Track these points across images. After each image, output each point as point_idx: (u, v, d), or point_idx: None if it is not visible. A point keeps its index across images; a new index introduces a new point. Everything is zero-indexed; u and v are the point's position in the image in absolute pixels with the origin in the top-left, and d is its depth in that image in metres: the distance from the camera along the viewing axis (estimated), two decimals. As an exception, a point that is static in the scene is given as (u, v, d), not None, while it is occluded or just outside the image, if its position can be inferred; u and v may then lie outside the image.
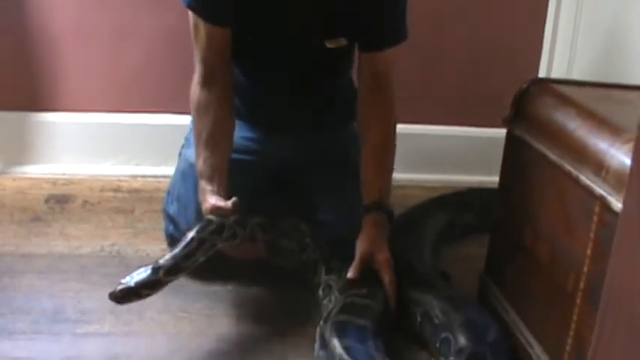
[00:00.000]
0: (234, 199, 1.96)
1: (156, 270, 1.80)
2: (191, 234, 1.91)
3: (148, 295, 1.80)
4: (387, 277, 1.97)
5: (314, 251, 2.09)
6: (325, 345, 1.70)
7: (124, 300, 1.76)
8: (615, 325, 0.86)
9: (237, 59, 2.18)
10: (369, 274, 1.99)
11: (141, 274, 1.79)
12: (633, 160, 0.87)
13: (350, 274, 1.97)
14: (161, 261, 1.83)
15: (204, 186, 2.01)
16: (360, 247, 2.01)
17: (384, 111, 2.20)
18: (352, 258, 2.01)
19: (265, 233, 2.05)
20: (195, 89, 2.11)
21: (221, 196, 1.99)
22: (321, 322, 1.79)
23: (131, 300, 1.77)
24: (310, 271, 2.10)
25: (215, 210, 1.95)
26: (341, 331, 1.71)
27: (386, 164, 2.17)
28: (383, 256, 1.99)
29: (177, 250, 1.88)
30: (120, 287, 1.75)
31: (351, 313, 1.81)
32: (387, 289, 1.96)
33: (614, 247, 0.87)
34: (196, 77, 2.11)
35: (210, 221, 1.94)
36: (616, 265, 0.86)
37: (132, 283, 1.76)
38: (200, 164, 2.05)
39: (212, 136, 2.06)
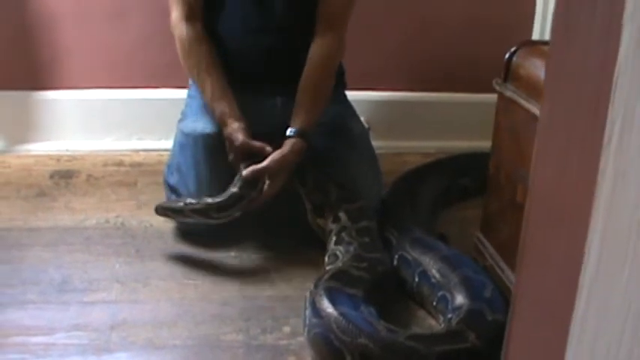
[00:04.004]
0: (268, 148, 2.16)
1: (181, 209, 2.17)
2: (230, 192, 2.13)
3: (172, 218, 2.25)
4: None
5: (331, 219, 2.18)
6: (318, 313, 1.73)
7: (157, 212, 2.21)
8: (537, 219, 0.93)
9: (229, 22, 2.31)
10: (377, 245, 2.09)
11: (173, 203, 2.21)
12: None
13: (245, 173, 2.12)
14: (193, 201, 2.16)
15: (222, 108, 2.20)
16: (270, 162, 2.14)
17: (329, 47, 2.30)
18: (365, 231, 2.12)
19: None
20: (179, 26, 2.27)
21: (236, 115, 2.18)
22: (312, 288, 1.83)
23: (159, 215, 2.22)
24: (326, 236, 2.19)
25: (246, 147, 2.15)
26: (333, 298, 1.75)
27: (321, 95, 2.28)
28: (277, 184, 2.17)
29: (214, 200, 2.15)
30: (158, 204, 2.21)
31: (342, 282, 1.85)
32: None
33: (535, 151, 0.94)
34: (177, 15, 2.28)
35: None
36: (537, 167, 0.93)
37: (161, 205, 2.21)
38: (208, 89, 2.23)
39: (212, 62, 2.26)
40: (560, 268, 0.85)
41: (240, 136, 2.15)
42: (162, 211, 2.19)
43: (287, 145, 2.17)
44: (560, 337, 0.83)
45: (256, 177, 2.13)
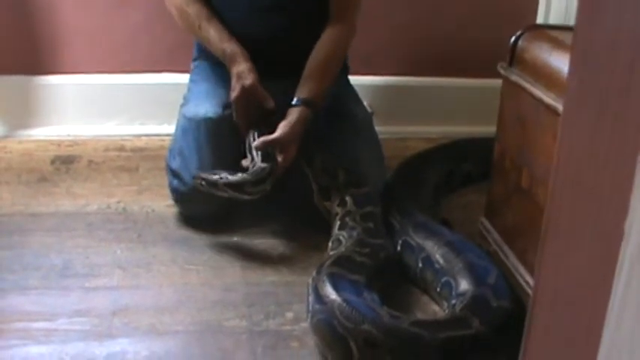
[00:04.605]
0: (272, 102, 2.18)
1: (216, 181, 2.10)
2: (262, 165, 2.11)
3: (205, 190, 2.12)
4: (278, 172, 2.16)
5: (338, 202, 2.17)
6: (321, 299, 1.71)
7: (193, 179, 2.15)
8: (563, 198, 0.89)
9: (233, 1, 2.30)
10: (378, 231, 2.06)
11: (210, 175, 2.11)
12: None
13: (256, 144, 2.13)
14: (230, 176, 2.10)
15: (233, 47, 2.20)
16: (281, 133, 2.13)
17: (340, 31, 2.31)
18: (369, 216, 2.09)
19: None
20: None
21: (245, 55, 2.19)
22: (314, 274, 1.81)
23: (195, 184, 2.14)
24: (331, 219, 2.18)
25: (253, 90, 2.14)
26: (336, 285, 1.73)
27: (328, 72, 2.28)
28: (289, 155, 2.16)
29: (249, 174, 2.11)
30: (196, 172, 2.14)
31: (345, 268, 1.83)
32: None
33: (562, 123, 0.89)
34: None
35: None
36: (564, 141, 0.89)
37: (198, 175, 2.13)
38: (214, 34, 2.23)
39: (211, 13, 2.26)
40: (592, 252, 0.80)
41: (251, 77, 2.15)
42: (198, 180, 2.12)
43: (293, 114, 2.16)
44: (592, 327, 0.78)
45: (267, 147, 2.12)
